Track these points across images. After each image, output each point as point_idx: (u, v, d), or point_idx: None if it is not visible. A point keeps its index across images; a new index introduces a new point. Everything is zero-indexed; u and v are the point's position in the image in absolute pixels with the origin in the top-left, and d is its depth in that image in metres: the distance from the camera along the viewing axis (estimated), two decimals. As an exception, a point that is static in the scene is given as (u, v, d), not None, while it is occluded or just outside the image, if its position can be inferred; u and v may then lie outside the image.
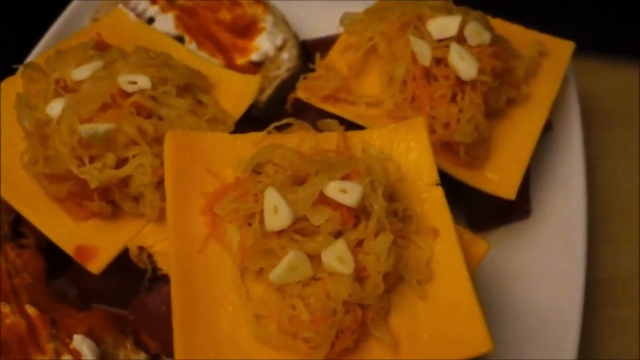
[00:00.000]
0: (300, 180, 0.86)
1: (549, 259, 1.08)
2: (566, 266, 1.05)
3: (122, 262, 0.93)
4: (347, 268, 0.79)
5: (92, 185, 0.88)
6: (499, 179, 1.04)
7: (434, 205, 0.90)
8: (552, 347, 0.98)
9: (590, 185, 1.19)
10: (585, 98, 1.31)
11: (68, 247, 0.92)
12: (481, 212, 1.10)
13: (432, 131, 1.01)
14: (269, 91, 1.18)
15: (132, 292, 0.93)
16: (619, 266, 1.16)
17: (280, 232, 0.82)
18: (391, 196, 0.88)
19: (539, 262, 1.08)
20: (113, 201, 0.93)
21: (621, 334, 1.08)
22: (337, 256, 0.80)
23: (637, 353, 1.07)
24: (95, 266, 0.90)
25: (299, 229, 0.82)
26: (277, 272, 0.79)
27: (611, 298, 1.12)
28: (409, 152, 0.94)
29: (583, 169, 1.14)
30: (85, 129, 0.90)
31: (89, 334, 0.90)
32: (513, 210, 1.11)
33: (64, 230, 0.93)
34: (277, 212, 0.82)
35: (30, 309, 0.90)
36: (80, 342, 0.87)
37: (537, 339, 0.99)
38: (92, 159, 0.90)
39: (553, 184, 1.15)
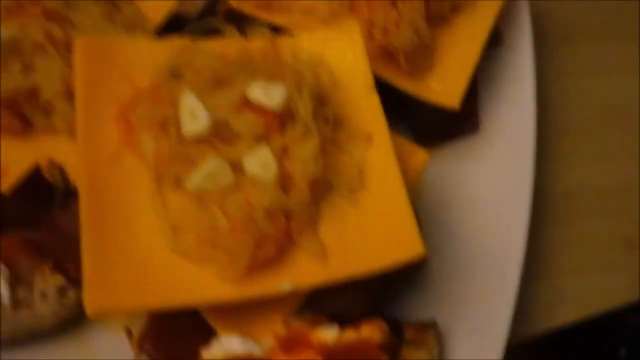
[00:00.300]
0: (221, 83, 0.79)
1: (498, 174, 1.02)
2: (514, 181, 1.01)
3: (37, 182, 0.86)
4: (270, 174, 0.74)
5: (-4, 96, 0.81)
6: (442, 88, 0.97)
7: (368, 112, 0.84)
8: (498, 264, 0.93)
9: (545, 100, 1.15)
10: (544, 13, 1.26)
11: (-26, 167, 0.86)
12: (428, 127, 1.04)
13: (370, 37, 0.94)
14: (200, 4, 1.11)
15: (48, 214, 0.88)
16: (570, 182, 1.12)
17: (199, 139, 0.76)
18: (322, 102, 0.82)
19: (488, 177, 1.03)
20: (23, 115, 0.86)
21: (571, 249, 1.05)
22: (260, 162, 0.75)
23: (587, 267, 1.04)
24: (5, 185, 0.83)
25: (220, 135, 0.76)
26: (194, 180, 0.74)
27: (562, 214, 1.08)
28: (343, 58, 0.87)
29: (533, 83, 1.08)
30: (-15, 34, 0.83)
31: (1, 258, 0.84)
32: (461, 125, 1.06)
33: (-30, 148, 0.87)
34: (194, 117, 0.75)
35: None
36: (-12, 264, 0.82)
37: (484, 255, 0.95)
38: (-5, 68, 0.83)
39: (502, 98, 1.09)
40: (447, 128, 1.07)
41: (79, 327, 0.88)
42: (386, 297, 0.88)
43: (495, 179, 1.03)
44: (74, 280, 0.87)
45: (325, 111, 0.81)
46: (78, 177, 0.76)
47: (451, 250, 0.96)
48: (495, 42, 1.09)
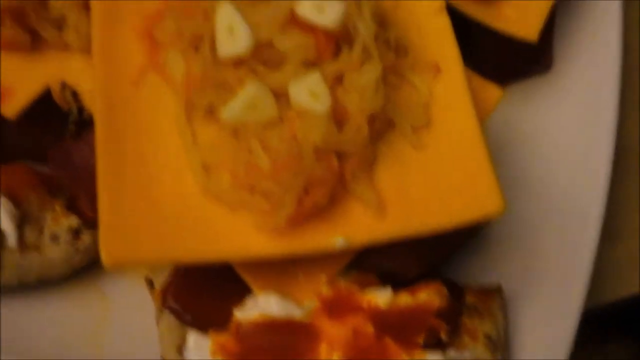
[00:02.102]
0: (264, -4, 0.67)
1: (573, 121, 0.89)
2: (592, 129, 0.87)
3: (48, 107, 0.76)
4: (321, 105, 0.62)
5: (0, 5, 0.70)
6: (520, 16, 0.83)
7: (436, 37, 0.71)
8: (573, 221, 0.81)
9: (624, 39, 1.01)
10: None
11: (-24, 87, 0.75)
12: (494, 63, 0.90)
13: (438, -48, 0.81)
14: None
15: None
16: (651, 133, 1.00)
17: (237, 61, 0.64)
18: (383, 23, 0.70)
19: (560, 124, 0.89)
20: (33, 30, 0.74)
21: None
22: (309, 91, 0.63)
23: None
24: (11, 109, 0.73)
25: (262, 57, 0.64)
26: (231, 110, 0.62)
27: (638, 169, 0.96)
28: (407, -27, 0.75)
29: (620, 16, 0.95)
30: None
31: (7, 192, 0.73)
32: (532, 62, 0.92)
33: (-28, 66, 0.76)
34: (233, 33, 0.64)
35: None
36: (-7, 201, 0.71)
37: (556, 211, 0.83)
38: (-1, -26, 0.72)
39: (581, 33, 0.95)
40: (515, 64, 0.92)
41: (93, 273, 0.78)
42: (444, 256, 0.77)
43: (569, 126, 0.89)
44: (89, 220, 0.77)
45: (387, 34, 0.68)
46: (94, 102, 0.65)
47: (519, 204, 0.82)
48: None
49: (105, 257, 0.60)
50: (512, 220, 0.83)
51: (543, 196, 0.85)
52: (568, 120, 0.92)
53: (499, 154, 0.90)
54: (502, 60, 0.92)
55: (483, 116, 0.75)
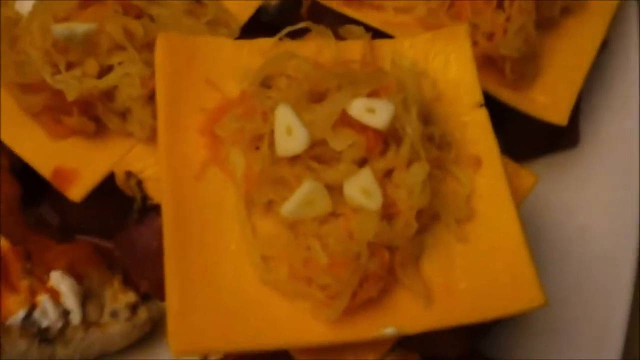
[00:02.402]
0: (318, 97, 0.71)
1: (599, 193, 0.94)
2: (619, 201, 0.92)
3: (109, 189, 0.80)
4: (373, 203, 0.66)
5: (70, 98, 0.74)
6: (549, 101, 0.88)
7: (476, 131, 0.75)
8: (604, 296, 0.85)
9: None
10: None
11: (45, 170, 0.79)
12: (524, 141, 0.95)
13: (472, 43, 0.84)
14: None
15: (120, 223, 0.81)
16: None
17: (293, 159, 0.68)
18: (426, 119, 0.74)
19: (588, 197, 0.94)
20: (97, 117, 0.79)
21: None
22: (361, 188, 0.67)
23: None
24: (76, 193, 0.77)
25: (317, 155, 0.68)
26: (289, 206, 0.66)
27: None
28: (447, 67, 0.78)
29: (640, 93, 1.00)
30: (60, 29, 0.75)
31: (71, 270, 0.78)
32: (560, 138, 0.96)
33: (41, 150, 0.79)
34: (290, 133, 0.68)
35: (1, 240, 0.78)
36: (59, 280, 0.75)
37: (587, 289, 0.86)
38: (69, 66, 0.76)
39: (605, 108, 1.00)
40: (544, 142, 0.98)
41: (148, 344, 0.82)
42: (482, 334, 0.80)
43: (597, 199, 0.94)
44: (144, 296, 0.82)
45: (431, 130, 0.72)
46: (162, 195, 0.69)
47: (550, 278, 0.87)
48: (600, 47, 0.99)
49: (174, 346, 0.63)
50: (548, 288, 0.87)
51: (574, 269, 0.89)
52: (595, 193, 0.96)
53: (529, 226, 0.92)
54: (532, 138, 0.96)
55: (518, 201, 0.78)
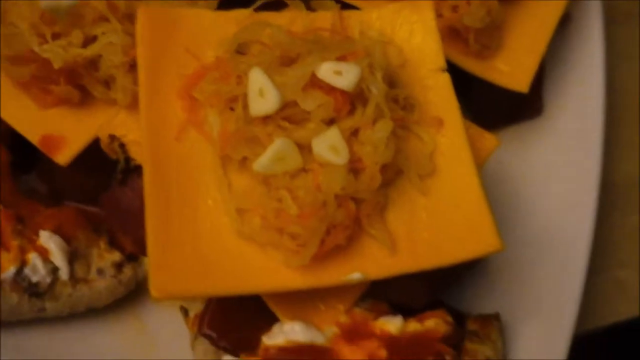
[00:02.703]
0: (289, 62, 0.76)
1: (561, 161, 0.99)
2: (580, 168, 0.96)
3: (95, 155, 0.84)
4: (340, 158, 0.71)
5: (56, 65, 0.78)
6: (511, 70, 0.93)
7: (439, 94, 0.80)
8: (563, 253, 0.90)
9: (608, 83, 1.09)
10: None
11: (33, 137, 0.83)
12: (489, 110, 1.00)
13: (438, 15, 0.89)
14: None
15: (105, 188, 0.86)
16: (633, 170, 1.07)
17: (266, 119, 0.73)
18: (391, 82, 0.79)
19: (550, 164, 0.99)
20: (82, 86, 0.83)
21: (635, 240, 1.01)
22: (329, 145, 0.71)
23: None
24: (63, 157, 0.82)
25: (288, 115, 0.73)
26: (262, 162, 0.71)
27: (626, 203, 1.04)
28: (412, 36, 0.83)
29: (603, 64, 1.04)
30: (47, 2, 0.79)
31: (58, 232, 0.82)
32: (524, 108, 1.01)
33: (29, 118, 0.83)
34: (263, 95, 0.72)
35: (-7, 204, 0.82)
36: (48, 239, 0.80)
37: (547, 244, 0.91)
38: (55, 37, 0.80)
39: (568, 80, 1.04)
40: (509, 111, 1.02)
41: (133, 301, 0.87)
42: (448, 286, 0.85)
43: (559, 164, 0.99)
44: (129, 254, 0.86)
45: (395, 93, 0.77)
46: (142, 155, 0.74)
47: (513, 238, 0.92)
48: (563, 20, 1.04)
49: (154, 291, 0.68)
50: (507, 253, 0.89)
51: (535, 229, 0.94)
52: (557, 159, 1.01)
53: (494, 191, 0.98)
54: (497, 107, 1.01)
55: (480, 162, 0.82)
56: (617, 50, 1.19)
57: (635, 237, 1.03)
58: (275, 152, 0.71)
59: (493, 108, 1.00)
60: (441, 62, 0.81)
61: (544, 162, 1.00)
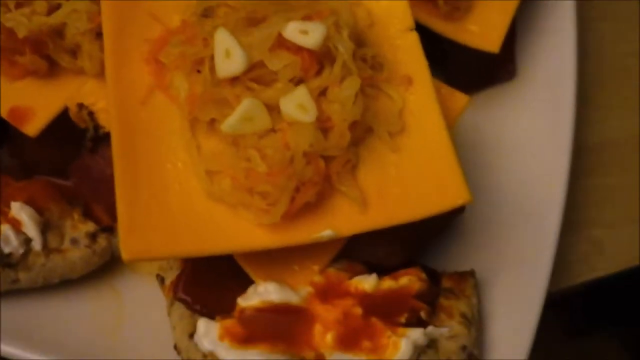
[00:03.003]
0: (255, 22, 0.75)
1: (535, 122, 0.99)
2: (553, 130, 0.97)
3: (64, 126, 0.83)
4: (308, 116, 0.70)
5: (20, 35, 0.78)
6: (482, 30, 0.93)
7: (407, 53, 0.80)
8: (537, 214, 0.90)
9: (582, 47, 1.10)
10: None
11: (1, 109, 0.82)
12: (462, 74, 0.99)
13: (407, -24, 0.91)
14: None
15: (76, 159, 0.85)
16: (608, 132, 1.08)
17: (233, 80, 0.73)
18: (359, 42, 0.79)
19: (524, 126, 0.99)
20: (49, 57, 0.82)
21: (610, 201, 1.02)
22: (297, 104, 0.71)
23: (626, 218, 1.01)
24: (32, 128, 0.81)
25: (255, 76, 0.73)
26: (230, 122, 0.70)
27: (600, 164, 1.05)
28: (380, -2, 0.84)
29: (574, 28, 1.04)
30: (9, -29, 0.79)
31: (30, 203, 0.82)
32: (496, 71, 1.01)
33: (-4, 92, 0.84)
34: (229, 56, 0.72)
35: (-38, 177, 0.82)
36: (19, 210, 0.79)
37: (522, 205, 0.92)
38: (19, 6, 0.79)
39: (541, 43, 1.05)
40: (482, 74, 1.03)
41: (109, 272, 0.86)
42: (423, 247, 0.85)
43: (532, 127, 0.99)
44: (104, 226, 0.86)
45: (363, 52, 0.77)
46: (109, 120, 0.74)
47: (487, 199, 0.92)
48: (534, -20, 1.05)
49: (125, 253, 0.68)
50: (481, 213, 0.92)
51: (509, 191, 0.94)
52: (531, 122, 1.01)
53: (469, 154, 0.99)
54: (470, 69, 1.01)
55: (452, 121, 0.83)
56: (593, 12, 1.20)
57: (610, 198, 1.03)
58: (243, 113, 0.71)
59: (466, 72, 1.00)
60: (409, 22, 0.81)
61: (518, 124, 1.00)
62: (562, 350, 1.19)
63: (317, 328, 0.74)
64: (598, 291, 1.01)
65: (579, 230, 1.00)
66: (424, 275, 0.79)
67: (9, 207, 0.81)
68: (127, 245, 0.68)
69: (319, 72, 0.74)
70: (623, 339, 1.18)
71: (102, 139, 0.80)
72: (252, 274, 0.76)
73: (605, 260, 0.99)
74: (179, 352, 0.77)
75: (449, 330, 0.78)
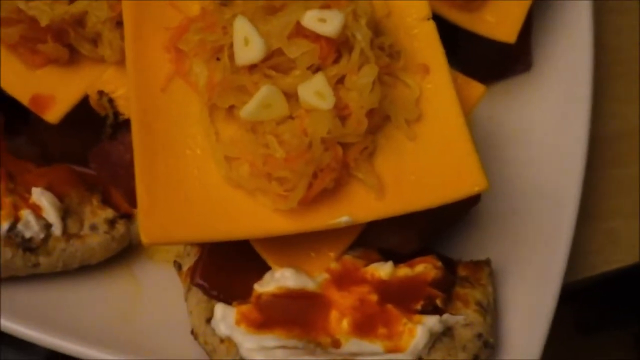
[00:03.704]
0: (274, 11, 0.76)
1: (551, 114, 0.99)
2: (569, 121, 0.97)
3: (85, 113, 0.85)
4: (326, 103, 0.71)
5: (43, 23, 0.79)
6: (498, 21, 0.93)
7: (424, 41, 0.80)
8: (554, 204, 0.90)
9: (597, 39, 1.09)
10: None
11: (23, 97, 0.83)
12: (478, 65, 0.99)
13: (424, -33, 0.91)
14: None
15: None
16: (624, 123, 1.08)
17: (252, 67, 0.73)
18: (377, 31, 0.79)
19: (540, 118, 0.99)
20: (70, 45, 0.84)
21: (626, 192, 1.02)
22: (315, 91, 0.72)
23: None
24: (53, 115, 0.82)
25: (274, 64, 0.74)
26: (248, 108, 0.71)
27: (616, 156, 1.05)
28: (397, -14, 0.84)
29: (591, 19, 1.04)
30: (31, -40, 0.80)
31: (50, 189, 0.83)
32: (513, 62, 1.02)
33: (18, 79, 0.84)
34: (248, 44, 0.73)
35: (-16, 163, 0.83)
36: (40, 195, 0.81)
37: (538, 195, 0.92)
38: (41, -5, 0.81)
39: (557, 35, 1.05)
40: (498, 65, 1.03)
41: (127, 258, 0.87)
42: (439, 235, 0.86)
43: (548, 118, 0.99)
44: (122, 213, 0.87)
45: (381, 40, 0.77)
46: (129, 107, 0.74)
47: (503, 190, 0.93)
48: (550, -28, 1.04)
49: (144, 237, 0.69)
50: (498, 202, 0.92)
51: (525, 181, 0.94)
52: (547, 113, 1.01)
53: (485, 145, 0.99)
54: (486, 61, 1.01)
55: (468, 110, 0.83)
56: (610, 4, 1.19)
57: (625, 189, 1.03)
58: (261, 99, 0.72)
59: (481, 63, 1.00)
60: (426, 11, 0.82)
61: (534, 116, 1.00)
62: (574, 344, 1.19)
63: (333, 314, 0.74)
64: (613, 283, 1.00)
65: (594, 221, 1.00)
66: (439, 264, 0.79)
67: (29, 192, 0.82)
68: (147, 229, 0.69)
69: (336, 60, 0.75)
70: (637, 332, 1.18)
71: (121, 126, 0.81)
72: (268, 260, 0.76)
73: (621, 251, 0.99)
74: (196, 337, 0.78)
75: (464, 318, 0.78)
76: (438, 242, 0.87)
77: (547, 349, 0.82)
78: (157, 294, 0.86)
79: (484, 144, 1.00)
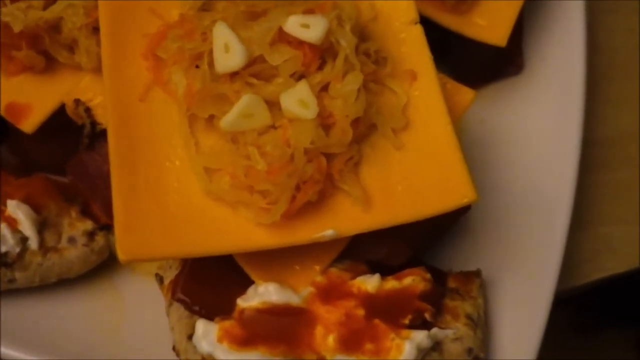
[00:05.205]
0: (255, 16, 0.74)
1: (543, 117, 0.97)
2: (561, 125, 0.95)
3: (63, 122, 0.82)
4: (309, 112, 0.69)
5: (16, 29, 0.76)
6: (488, 24, 0.91)
7: (412, 47, 0.78)
8: (545, 211, 0.88)
9: (590, 40, 1.07)
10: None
11: (-1, 106, 0.82)
12: (469, 68, 0.97)
13: (412, -31, 0.89)
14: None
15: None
16: (618, 126, 1.06)
17: (233, 75, 0.71)
18: (363, 36, 0.77)
19: (532, 121, 0.97)
20: (47, 53, 0.81)
21: (619, 196, 1.00)
22: (298, 99, 0.69)
23: (636, 215, 0.99)
24: (29, 125, 0.80)
25: (256, 71, 0.71)
26: (229, 119, 0.69)
27: (610, 159, 1.03)
28: (383, -10, 0.82)
29: (583, 20, 1.02)
30: (4, -36, 0.77)
31: (28, 201, 0.80)
32: (504, 64, 0.99)
33: (-7, 87, 0.83)
34: (228, 50, 0.70)
35: (-42, 175, 0.80)
36: (15, 208, 0.78)
37: (530, 202, 0.89)
38: (15, 0, 0.78)
39: (549, 36, 1.02)
40: (489, 68, 1.00)
41: (108, 271, 0.85)
42: (428, 246, 0.83)
43: (540, 122, 0.97)
44: (102, 224, 0.84)
45: (366, 46, 0.75)
46: (106, 116, 0.72)
47: (494, 196, 0.90)
48: (541, -27, 1.02)
49: (121, 254, 0.66)
50: (488, 211, 0.90)
51: (517, 187, 0.92)
52: (539, 117, 0.99)
53: (476, 150, 0.98)
54: (477, 63, 0.99)
55: (457, 116, 0.80)
56: (603, 5, 1.17)
57: (619, 194, 1.01)
58: (242, 109, 0.69)
59: (472, 66, 0.98)
60: (413, 15, 0.79)
61: (526, 119, 0.98)
62: (571, 348, 1.17)
63: (319, 330, 0.72)
64: (608, 290, 0.98)
65: (588, 227, 0.98)
66: (428, 276, 0.77)
67: (5, 205, 0.80)
68: (124, 245, 0.66)
69: (320, 67, 0.72)
70: (633, 338, 1.16)
71: (99, 136, 0.78)
72: (252, 274, 0.74)
73: (615, 258, 0.96)
74: (178, 354, 0.76)
75: (454, 332, 0.76)
76: (427, 252, 0.85)
77: (543, 353, 0.80)
78: (141, 306, 0.83)
79: (474, 147, 0.98)
